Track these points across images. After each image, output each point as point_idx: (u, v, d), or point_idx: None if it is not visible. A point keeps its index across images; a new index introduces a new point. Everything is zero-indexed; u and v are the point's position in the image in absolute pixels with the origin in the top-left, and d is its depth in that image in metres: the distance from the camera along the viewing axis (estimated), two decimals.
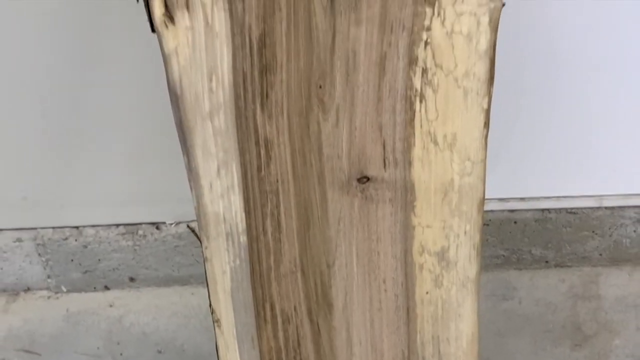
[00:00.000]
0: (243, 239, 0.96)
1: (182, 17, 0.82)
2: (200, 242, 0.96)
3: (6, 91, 1.32)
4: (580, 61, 1.24)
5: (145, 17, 0.83)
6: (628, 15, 1.22)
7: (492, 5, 0.85)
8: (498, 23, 0.86)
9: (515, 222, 1.47)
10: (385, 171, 0.94)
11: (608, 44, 1.25)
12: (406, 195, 0.95)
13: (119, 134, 1.37)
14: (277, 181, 0.93)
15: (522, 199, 1.45)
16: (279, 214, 0.95)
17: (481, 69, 0.88)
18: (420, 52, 0.87)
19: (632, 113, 1.34)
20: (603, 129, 1.36)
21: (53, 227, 1.51)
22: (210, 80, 0.86)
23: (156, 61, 0.86)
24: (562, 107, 1.31)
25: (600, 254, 1.51)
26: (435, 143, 0.92)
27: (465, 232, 0.97)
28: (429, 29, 0.86)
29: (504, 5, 0.85)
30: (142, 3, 0.83)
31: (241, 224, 0.95)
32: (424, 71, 0.88)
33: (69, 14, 1.22)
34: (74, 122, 1.36)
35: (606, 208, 1.45)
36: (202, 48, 0.84)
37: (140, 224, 1.51)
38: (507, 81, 1.19)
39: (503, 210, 1.47)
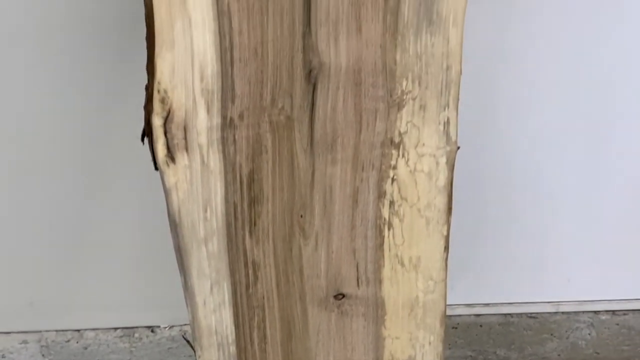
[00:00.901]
0: (232, 349, 1.02)
1: (181, 158, 0.91)
2: (194, 351, 1.03)
3: (16, 203, 1.39)
4: (535, 182, 1.34)
5: (149, 155, 0.93)
6: (573, 141, 1.32)
7: (448, 148, 0.95)
8: (454, 163, 0.96)
9: (480, 326, 1.53)
10: (358, 289, 1.02)
11: (562, 164, 1.34)
12: (377, 310, 1.03)
13: (119, 246, 1.43)
14: (264, 298, 1.01)
15: (486, 304, 1.51)
16: (264, 327, 1.02)
17: (440, 201, 0.97)
18: (388, 187, 0.97)
19: (584, 228, 1.42)
20: (559, 242, 1.44)
21: (56, 330, 1.56)
22: (205, 210, 0.94)
23: (156, 189, 0.95)
24: (521, 223, 1.40)
25: (559, 355, 1.56)
26: (402, 265, 1.01)
27: (429, 343, 1.05)
28: (395, 167, 0.96)
29: (458, 148, 0.96)
30: (147, 144, 0.92)
31: (231, 336, 1.02)
32: (392, 203, 0.98)
33: (80, 144, 1.32)
34: (79, 234, 1.42)
35: (563, 313, 1.52)
36: (199, 183, 0.93)
37: (137, 327, 1.56)
38: (471, 199, 1.28)
39: (470, 315, 1.53)
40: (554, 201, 1.35)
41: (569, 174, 1.33)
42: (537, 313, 1.52)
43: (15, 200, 1.36)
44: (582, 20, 1.19)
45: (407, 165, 0.96)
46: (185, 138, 0.90)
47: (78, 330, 1.57)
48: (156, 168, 0.92)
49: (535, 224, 1.39)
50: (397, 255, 1.00)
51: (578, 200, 1.36)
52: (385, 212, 0.98)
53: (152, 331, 1.57)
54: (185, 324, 1.49)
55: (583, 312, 1.51)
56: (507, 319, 1.52)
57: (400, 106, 0.93)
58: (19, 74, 1.24)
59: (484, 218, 1.34)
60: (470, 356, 1.58)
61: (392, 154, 0.95)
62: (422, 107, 0.93)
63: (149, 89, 0.88)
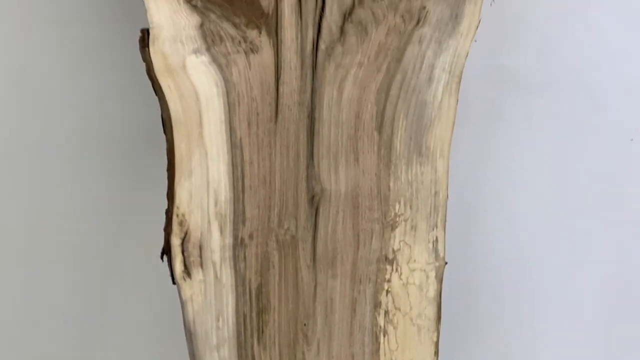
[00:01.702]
0: None
1: (197, 273, 0.98)
2: None
3: (31, 311, 1.40)
4: (521, 290, 1.39)
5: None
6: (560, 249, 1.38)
7: (437, 264, 1.02)
8: (442, 276, 1.03)
9: None
10: None
11: (548, 271, 1.39)
12: None
13: (136, 352, 1.45)
14: None
15: None
16: None
17: (431, 311, 1.04)
18: (383, 298, 1.03)
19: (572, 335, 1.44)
20: (546, 348, 1.46)
21: None
22: (218, 320, 1.00)
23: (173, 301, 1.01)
24: (508, 330, 1.43)
25: None
26: None
27: None
28: (389, 281, 1.02)
29: (446, 263, 1.03)
30: (166, 261, 0.99)
31: None
32: (386, 312, 1.04)
33: (104, 258, 1.35)
34: (98, 340, 1.43)
35: None
36: (212, 296, 0.99)
37: None
38: (459, 308, 1.32)
39: None
40: (541, 307, 1.39)
41: (556, 280, 1.37)
42: None
43: (30, 307, 1.37)
44: (564, 139, 1.26)
45: (400, 279, 1.02)
46: (201, 256, 0.97)
47: None
48: (174, 282, 0.99)
49: (522, 330, 1.41)
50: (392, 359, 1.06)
51: (566, 307, 1.39)
52: (381, 321, 1.04)
53: None
54: None
55: None
56: None
57: (393, 227, 1.00)
58: (51, 206, 1.30)
59: (472, 325, 1.38)
60: None
61: (386, 269, 1.02)
62: (413, 228, 1.01)
63: (169, 213, 0.95)
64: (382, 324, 1.04)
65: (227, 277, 0.99)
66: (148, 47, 0.88)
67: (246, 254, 0.99)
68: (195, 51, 0.89)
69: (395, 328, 1.04)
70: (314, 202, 0.99)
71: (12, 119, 1.22)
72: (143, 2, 0.86)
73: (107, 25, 1.20)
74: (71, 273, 1.33)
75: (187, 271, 0.97)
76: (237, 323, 1.01)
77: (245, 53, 0.90)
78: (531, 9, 1.13)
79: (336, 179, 0.98)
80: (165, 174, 0.95)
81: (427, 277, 1.02)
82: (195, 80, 0.90)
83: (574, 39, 1.16)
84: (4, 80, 1.20)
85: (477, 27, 0.92)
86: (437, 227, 1.01)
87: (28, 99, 1.21)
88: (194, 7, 0.87)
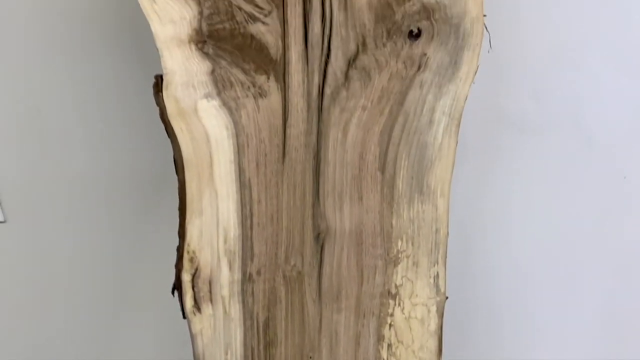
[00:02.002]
0: None
1: (206, 308, 1.00)
2: None
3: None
4: (517, 324, 1.41)
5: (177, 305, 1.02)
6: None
7: (438, 298, 1.04)
8: (443, 310, 1.05)
9: None
10: None
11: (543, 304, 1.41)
12: None
13: None
14: None
15: None
16: None
17: (432, 344, 1.06)
18: (386, 331, 1.05)
19: None
20: None
21: None
22: (226, 353, 1.02)
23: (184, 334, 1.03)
24: None
25: None
26: None
27: None
28: (392, 315, 1.05)
29: (447, 298, 1.05)
30: (177, 296, 1.02)
31: None
32: (389, 345, 1.06)
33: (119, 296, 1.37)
34: None
35: None
36: (221, 330, 1.01)
37: None
38: (459, 341, 1.34)
39: None
40: (539, 338, 1.40)
41: (553, 312, 1.39)
42: None
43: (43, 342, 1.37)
44: (560, 177, 1.29)
45: (403, 313, 1.05)
46: (210, 291, 0.99)
47: None
48: (184, 317, 1.01)
49: None
50: None
51: (563, 337, 1.40)
52: (384, 354, 1.06)
53: None
54: None
55: None
56: None
57: (396, 263, 1.03)
58: (64, 242, 1.31)
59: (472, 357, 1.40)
60: None
61: (389, 303, 1.04)
62: (415, 264, 1.03)
63: (180, 250, 0.98)
64: (385, 357, 1.06)
65: (236, 311, 1.01)
66: (161, 92, 0.91)
67: (254, 289, 1.01)
68: (207, 95, 0.92)
69: None
70: (320, 239, 1.01)
71: (28, 158, 1.25)
72: (157, 49, 0.89)
73: (119, 70, 1.23)
74: (83, 307, 1.35)
75: (197, 306, 1.00)
76: (245, 356, 1.03)
77: (254, 97, 0.93)
78: (527, 53, 1.16)
79: (341, 217, 1.00)
80: (175, 212, 0.97)
81: (429, 311, 1.04)
82: (206, 123, 0.93)
83: (567, 82, 1.18)
84: (21, 122, 1.23)
85: (476, 72, 0.95)
86: (438, 263, 1.04)
87: (43, 139, 1.24)
88: (206, 54, 0.90)
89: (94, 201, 1.28)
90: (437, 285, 1.04)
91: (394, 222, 1.02)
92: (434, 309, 1.05)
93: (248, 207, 0.98)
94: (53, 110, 1.22)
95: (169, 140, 0.95)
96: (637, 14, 1.14)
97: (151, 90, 0.93)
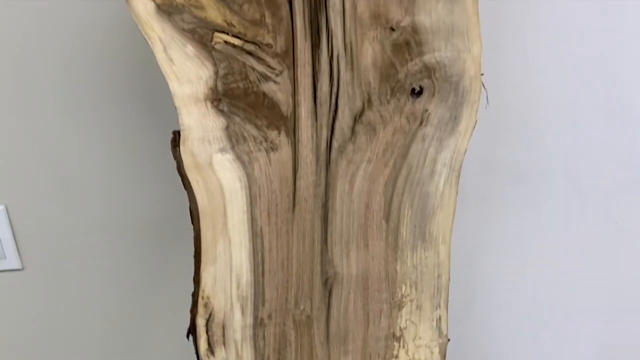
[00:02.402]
0: None
1: (220, 351, 1.03)
2: None
3: None
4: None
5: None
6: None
7: (440, 340, 1.08)
8: (445, 352, 1.08)
9: None
10: None
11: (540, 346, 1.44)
12: None
13: None
14: None
15: None
16: None
17: None
18: None
19: None
20: None
21: None
22: None
23: None
24: None
25: None
26: None
27: None
28: (397, 356, 1.07)
29: (449, 340, 1.08)
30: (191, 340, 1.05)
31: None
32: None
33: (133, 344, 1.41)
34: None
35: None
36: None
37: None
38: None
39: None
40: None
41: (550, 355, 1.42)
42: None
43: None
44: (554, 224, 1.31)
45: (407, 355, 1.08)
46: (224, 335, 1.02)
47: None
48: (198, 358, 1.04)
49: None
50: None
51: None
52: None
53: None
54: None
55: None
56: None
57: (400, 307, 1.06)
58: (82, 288, 1.34)
59: None
60: None
61: (394, 346, 1.07)
62: (419, 308, 1.06)
63: (195, 296, 1.01)
64: None
65: (248, 354, 1.04)
66: (179, 146, 0.94)
67: (265, 333, 1.04)
68: (221, 150, 0.96)
69: None
70: (328, 285, 1.04)
71: (46, 206, 1.28)
72: (174, 106, 0.93)
73: (138, 125, 1.25)
74: (102, 354, 1.36)
75: (211, 349, 1.03)
76: None
77: (266, 151, 0.97)
78: (521, 108, 1.19)
79: (348, 263, 1.04)
80: (190, 260, 1.01)
81: (432, 352, 1.07)
82: (221, 176, 0.97)
83: (559, 134, 1.21)
84: (41, 172, 1.25)
85: (474, 127, 0.98)
86: (440, 307, 1.07)
87: (62, 188, 1.27)
88: (221, 111, 0.94)
89: (111, 250, 1.31)
90: (439, 328, 1.07)
91: (398, 267, 1.05)
92: (436, 350, 1.08)
93: (260, 255, 1.01)
94: (74, 160, 1.25)
95: (184, 191, 0.99)
96: (625, 69, 1.17)
97: (169, 145, 0.97)
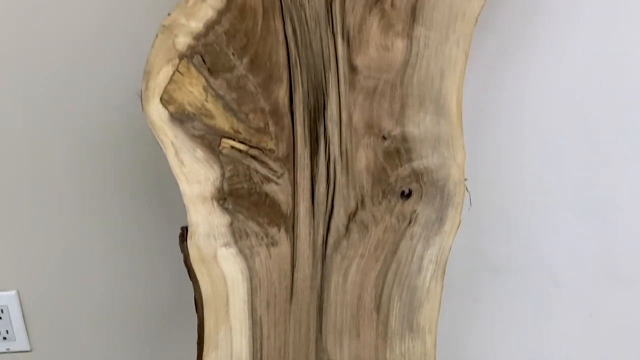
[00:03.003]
0: None
1: None
2: None
3: None
4: None
5: None
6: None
7: None
8: None
9: None
10: None
11: None
12: None
13: None
14: None
15: None
16: None
17: None
18: None
19: None
20: None
21: None
22: None
23: None
24: None
25: None
26: None
27: None
28: None
29: None
30: None
31: None
32: None
33: None
34: None
35: None
36: None
37: None
38: None
39: None
40: None
41: None
42: None
43: None
44: (531, 315, 1.34)
45: None
46: None
47: None
48: None
49: None
50: None
51: None
52: None
53: None
54: None
55: None
56: None
57: None
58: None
59: None
60: None
61: None
62: None
63: None
64: None
65: None
66: (186, 241, 1.00)
67: None
68: (225, 244, 1.02)
69: None
70: None
71: (55, 290, 1.31)
72: (183, 204, 0.99)
73: (147, 220, 1.30)
74: None
75: None
76: None
77: (267, 246, 1.03)
78: (501, 207, 1.25)
79: (341, 351, 1.09)
80: (192, 346, 1.05)
81: None
82: (224, 268, 1.02)
83: (538, 229, 1.26)
84: (51, 261, 1.29)
85: (458, 227, 1.05)
86: None
87: (72, 274, 1.31)
88: (226, 210, 1.00)
89: (118, 335, 1.34)
90: None
91: (387, 355, 1.10)
92: None
93: (259, 342, 1.06)
94: (84, 249, 1.30)
95: (189, 281, 1.04)
96: (597, 167, 1.22)
97: (177, 239, 1.03)
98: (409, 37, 0.98)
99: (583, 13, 1.12)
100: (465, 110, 1.02)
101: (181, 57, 0.93)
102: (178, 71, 0.93)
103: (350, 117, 1.00)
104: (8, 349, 1.34)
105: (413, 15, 0.97)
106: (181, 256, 1.03)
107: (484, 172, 1.22)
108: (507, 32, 1.14)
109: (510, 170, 1.24)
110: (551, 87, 1.17)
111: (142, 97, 0.94)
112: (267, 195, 1.01)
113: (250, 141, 0.98)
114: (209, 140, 0.97)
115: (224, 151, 0.98)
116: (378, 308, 1.08)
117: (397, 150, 1.02)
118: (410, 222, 1.05)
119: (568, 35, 1.14)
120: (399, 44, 0.98)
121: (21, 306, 1.31)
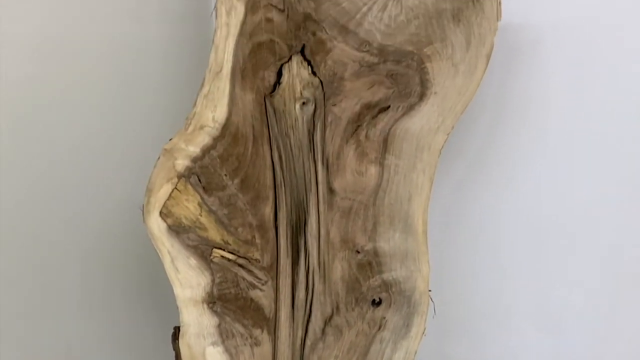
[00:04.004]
0: None
1: None
2: None
3: None
4: None
5: None
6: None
7: None
8: None
9: None
10: None
11: None
12: None
13: None
14: None
15: None
16: None
17: None
18: None
19: None
20: None
21: None
22: None
23: None
24: None
25: None
26: None
27: None
28: None
29: None
30: None
31: None
32: None
33: None
34: None
35: None
36: None
37: None
38: None
39: None
40: None
41: None
42: None
43: None
44: None
45: None
46: None
47: None
48: None
49: None
50: None
51: None
52: None
53: None
54: None
55: None
56: None
57: None
58: None
59: None
60: None
61: None
62: None
63: None
64: None
65: None
66: (178, 340, 1.07)
67: None
68: (213, 343, 1.08)
69: None
70: None
71: None
72: (176, 306, 1.07)
73: (141, 320, 1.35)
74: None
75: None
76: None
77: (251, 346, 1.10)
78: (466, 313, 1.31)
79: None
80: None
81: None
82: None
83: (495, 338, 1.31)
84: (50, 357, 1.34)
85: (424, 332, 1.12)
86: None
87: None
88: (215, 312, 1.07)
89: None
90: None
91: None
92: None
93: None
94: (83, 347, 1.31)
95: None
96: (551, 280, 1.27)
97: (169, 338, 1.10)
98: (381, 164, 1.08)
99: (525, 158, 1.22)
100: (431, 228, 1.11)
101: (180, 176, 1.02)
102: (177, 189, 1.02)
103: (328, 233, 1.09)
104: None
105: (385, 145, 1.07)
106: (173, 353, 1.09)
107: (448, 283, 1.29)
108: (471, 163, 1.24)
109: (470, 282, 1.31)
110: (505, 210, 1.26)
111: (143, 211, 1.02)
112: (252, 300, 1.09)
113: (238, 252, 1.07)
114: (202, 250, 1.05)
115: (215, 260, 1.06)
116: None
117: (369, 263, 1.10)
118: (380, 328, 1.13)
119: (516, 172, 1.24)
120: (372, 170, 1.08)
121: None
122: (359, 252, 1.10)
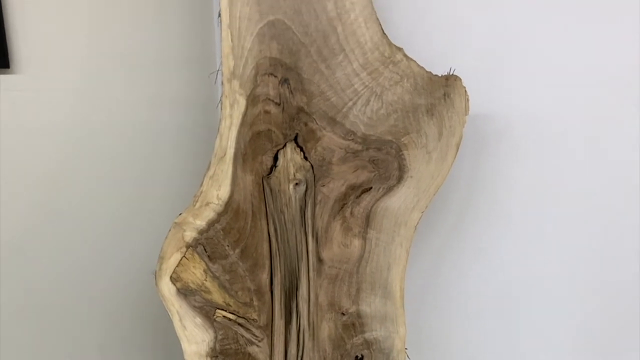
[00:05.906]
0: None
1: None
2: None
3: None
4: None
5: None
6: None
7: None
8: None
9: None
10: None
11: None
12: None
13: None
14: None
15: None
16: None
17: None
18: None
19: None
20: None
21: None
22: None
23: None
24: None
25: None
26: None
27: None
28: None
29: None
30: None
31: None
32: None
33: None
34: None
35: None
36: None
37: None
38: None
39: None
40: None
41: None
42: None
43: None
44: None
45: None
46: None
47: None
48: None
49: None
50: None
51: None
52: None
53: None
54: None
55: None
56: None
57: None
58: None
59: None
60: None
61: None
62: None
63: None
64: None
65: None
66: None
67: None
68: None
69: None
70: None
71: None
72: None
73: None
74: None
75: None
76: None
77: None
78: None
79: None
80: None
81: None
82: None
83: None
84: None
85: None
86: None
87: None
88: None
89: None
90: None
91: None
92: None
93: None
94: None
95: None
96: (522, 338, 1.31)
97: None
98: (364, 238, 1.15)
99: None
100: (409, 294, 1.18)
101: (188, 246, 1.09)
102: (185, 257, 1.10)
103: (317, 297, 1.16)
104: None
105: (367, 221, 1.15)
106: None
107: (425, 343, 1.35)
108: (444, 238, 1.30)
109: (443, 344, 1.36)
110: (474, 278, 1.31)
111: (156, 276, 1.10)
112: (250, 354, 1.16)
113: (238, 312, 1.13)
114: (206, 311, 1.11)
115: (218, 319, 1.12)
116: None
117: (353, 324, 1.17)
118: None
119: (484, 246, 1.29)
120: (356, 243, 1.15)
121: None
122: (344, 314, 1.17)
